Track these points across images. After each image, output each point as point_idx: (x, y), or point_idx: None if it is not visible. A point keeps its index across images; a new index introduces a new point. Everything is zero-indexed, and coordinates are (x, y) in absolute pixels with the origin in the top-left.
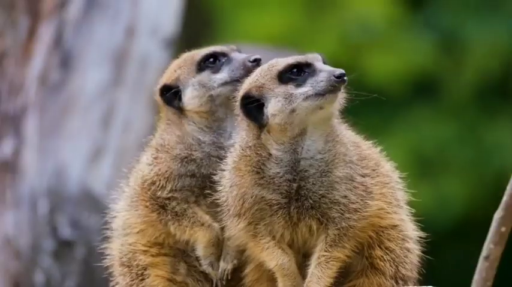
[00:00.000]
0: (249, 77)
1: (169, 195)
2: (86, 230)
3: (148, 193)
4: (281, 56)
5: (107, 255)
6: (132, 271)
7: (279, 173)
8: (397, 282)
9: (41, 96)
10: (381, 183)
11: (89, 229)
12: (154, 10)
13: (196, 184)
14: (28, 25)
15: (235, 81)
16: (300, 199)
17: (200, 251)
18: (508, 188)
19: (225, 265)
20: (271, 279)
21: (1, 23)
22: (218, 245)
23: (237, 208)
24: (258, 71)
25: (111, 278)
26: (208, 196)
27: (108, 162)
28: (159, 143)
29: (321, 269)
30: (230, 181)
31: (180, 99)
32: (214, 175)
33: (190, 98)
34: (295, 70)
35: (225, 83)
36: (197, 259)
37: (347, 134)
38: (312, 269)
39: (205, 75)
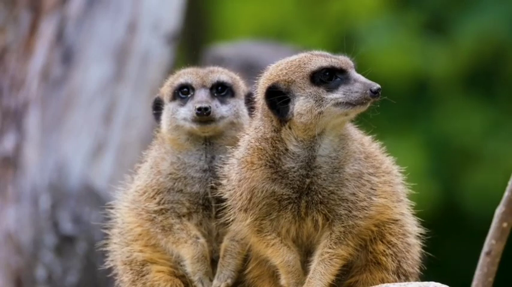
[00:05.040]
0: (273, 66)
1: (158, 207)
2: (87, 226)
3: (142, 202)
4: (281, 51)
5: (109, 253)
6: (133, 268)
7: (293, 167)
8: (399, 277)
9: (42, 91)
10: (383, 181)
11: (90, 224)
12: (155, 6)
13: (184, 199)
14: (30, 20)
15: None
16: (310, 193)
17: (188, 267)
18: (510, 183)
19: (218, 283)
20: (273, 275)
21: (3, 18)
22: (205, 261)
23: (245, 202)
24: (285, 64)
25: (115, 277)
26: (204, 211)
27: (109, 157)
28: (153, 155)
29: (324, 266)
30: (239, 174)
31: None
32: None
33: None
34: (327, 73)
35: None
36: (187, 275)
37: (353, 131)
38: (315, 265)
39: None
